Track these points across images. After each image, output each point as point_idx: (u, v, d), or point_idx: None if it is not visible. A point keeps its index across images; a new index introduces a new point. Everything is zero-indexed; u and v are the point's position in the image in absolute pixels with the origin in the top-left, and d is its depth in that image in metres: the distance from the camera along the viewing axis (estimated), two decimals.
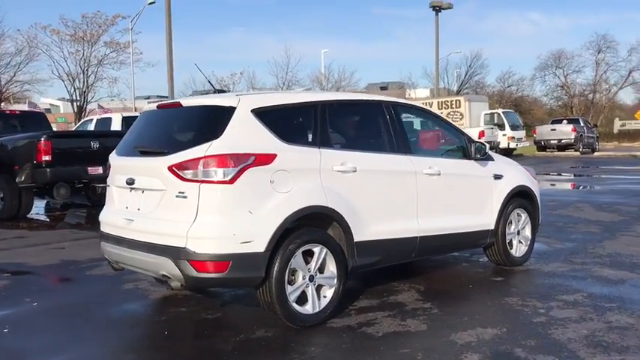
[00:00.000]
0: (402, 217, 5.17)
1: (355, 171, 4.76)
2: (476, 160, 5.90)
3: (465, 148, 5.88)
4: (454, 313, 4.73)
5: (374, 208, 4.89)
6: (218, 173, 4.12)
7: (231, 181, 4.12)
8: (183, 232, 4.12)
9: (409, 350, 3.97)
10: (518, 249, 6.32)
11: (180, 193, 4.21)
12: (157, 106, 4.93)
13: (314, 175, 4.55)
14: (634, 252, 6.87)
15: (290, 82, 49.19)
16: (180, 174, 4.21)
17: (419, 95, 67.68)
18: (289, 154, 4.42)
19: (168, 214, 4.27)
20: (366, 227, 4.80)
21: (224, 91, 5.41)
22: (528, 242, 6.43)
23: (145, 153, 4.61)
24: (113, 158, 4.99)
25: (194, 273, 4.11)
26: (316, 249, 4.48)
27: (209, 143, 4.19)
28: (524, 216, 6.36)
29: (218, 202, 4.14)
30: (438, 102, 30.90)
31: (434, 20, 32.65)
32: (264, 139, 4.37)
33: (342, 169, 4.69)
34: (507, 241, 6.14)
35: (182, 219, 4.17)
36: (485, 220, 5.92)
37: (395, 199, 5.14)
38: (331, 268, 4.58)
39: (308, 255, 4.47)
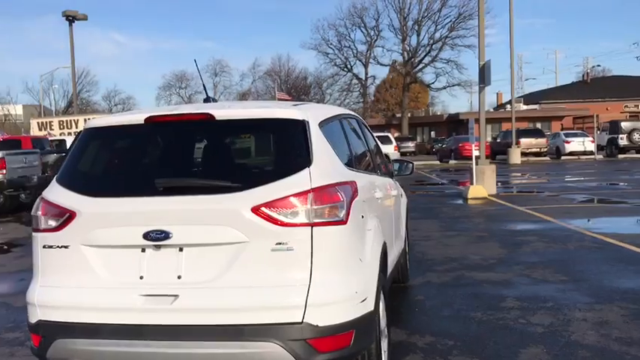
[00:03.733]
0: (396, 243, 4.68)
1: (374, 197, 4.06)
2: (393, 177, 5.73)
3: (387, 166, 5.64)
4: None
5: (389, 238, 4.27)
6: (333, 211, 2.97)
7: (345, 220, 3.03)
8: (298, 301, 2.82)
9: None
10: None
11: (279, 244, 2.87)
12: (149, 120, 3.21)
13: (371, 205, 3.72)
14: (463, 253, 7.70)
15: None
16: (278, 216, 2.88)
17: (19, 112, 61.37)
18: (359, 180, 3.50)
19: (257, 277, 2.85)
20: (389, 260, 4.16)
21: (215, 100, 3.85)
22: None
23: (182, 190, 2.96)
24: (82, 203, 3.03)
25: (315, 356, 2.85)
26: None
27: (306, 171, 2.98)
28: None
29: (337, 250, 2.97)
30: (59, 121, 29.47)
31: (68, 31, 29.67)
32: (337, 163, 3.34)
33: (372, 196, 3.94)
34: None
35: (288, 281, 2.85)
36: (403, 239, 5.80)
37: (391, 225, 4.60)
38: (381, 314, 3.80)
39: None
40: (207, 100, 3.66)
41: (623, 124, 33.92)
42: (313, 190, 2.93)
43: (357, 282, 3.05)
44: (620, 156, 32.89)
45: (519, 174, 24.02)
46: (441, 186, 20.12)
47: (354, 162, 3.83)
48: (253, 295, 2.84)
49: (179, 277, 2.93)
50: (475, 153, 16.18)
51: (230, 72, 59.69)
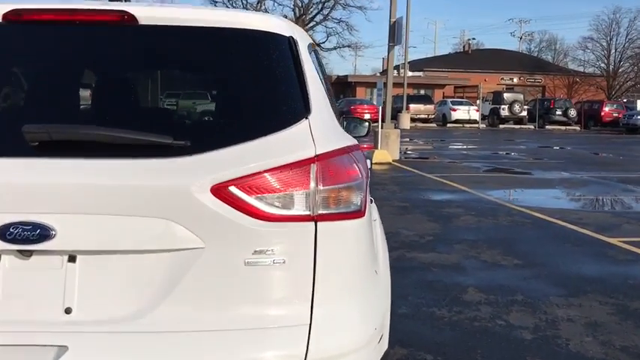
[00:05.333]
0: None
1: None
2: None
3: None
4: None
5: None
6: (348, 195, 1.75)
7: (363, 209, 1.81)
8: (291, 354, 1.60)
9: None
10: None
11: (259, 252, 1.61)
12: (12, 17, 1.75)
13: None
14: (394, 227, 6.77)
15: None
16: (259, 204, 1.61)
17: None
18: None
19: (218, 312, 1.59)
20: None
21: None
22: None
23: (76, 149, 1.58)
24: None
25: None
26: None
27: (304, 124, 1.73)
28: None
29: (353, 260, 1.78)
30: None
31: None
32: (332, 114, 2.10)
33: None
34: None
35: (275, 319, 1.62)
36: None
37: None
38: None
39: None
40: None
41: (506, 96, 35.16)
42: (319, 158, 1.69)
43: (377, 311, 1.88)
44: (501, 126, 34.12)
45: (413, 139, 23.86)
46: None
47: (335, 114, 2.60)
48: (210, 344, 1.58)
49: (68, 312, 1.59)
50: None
51: None
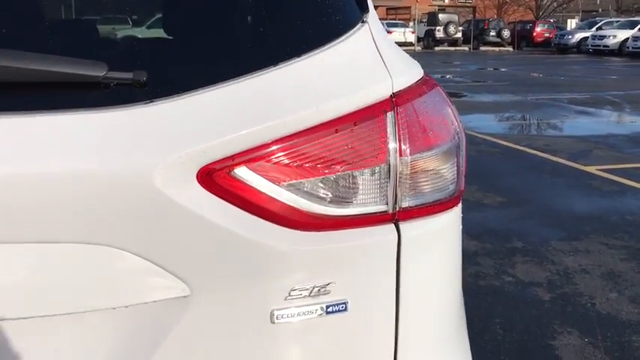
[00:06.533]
0: None
1: None
2: None
3: None
4: None
5: None
6: (440, 167, 0.95)
7: (460, 193, 1.03)
8: None
9: None
10: None
11: (300, 291, 0.81)
12: None
13: None
14: None
15: None
16: (296, 202, 0.80)
17: None
18: None
19: None
20: None
21: None
22: None
23: None
24: None
25: None
26: None
27: (362, 31, 0.91)
28: None
29: (448, 281, 1.02)
30: None
31: None
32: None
33: None
34: None
35: None
36: None
37: None
38: None
39: None
40: None
41: (441, 17, 34.54)
42: (398, 98, 0.88)
43: (468, 343, 1.15)
44: (437, 48, 33.64)
45: None
46: None
47: None
48: None
49: None
50: None
51: None
